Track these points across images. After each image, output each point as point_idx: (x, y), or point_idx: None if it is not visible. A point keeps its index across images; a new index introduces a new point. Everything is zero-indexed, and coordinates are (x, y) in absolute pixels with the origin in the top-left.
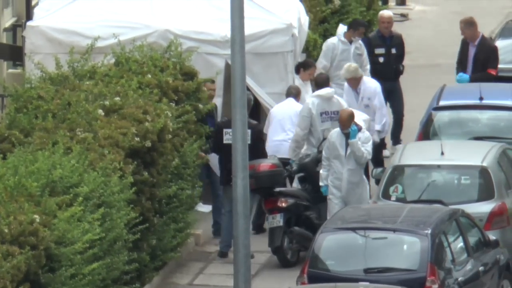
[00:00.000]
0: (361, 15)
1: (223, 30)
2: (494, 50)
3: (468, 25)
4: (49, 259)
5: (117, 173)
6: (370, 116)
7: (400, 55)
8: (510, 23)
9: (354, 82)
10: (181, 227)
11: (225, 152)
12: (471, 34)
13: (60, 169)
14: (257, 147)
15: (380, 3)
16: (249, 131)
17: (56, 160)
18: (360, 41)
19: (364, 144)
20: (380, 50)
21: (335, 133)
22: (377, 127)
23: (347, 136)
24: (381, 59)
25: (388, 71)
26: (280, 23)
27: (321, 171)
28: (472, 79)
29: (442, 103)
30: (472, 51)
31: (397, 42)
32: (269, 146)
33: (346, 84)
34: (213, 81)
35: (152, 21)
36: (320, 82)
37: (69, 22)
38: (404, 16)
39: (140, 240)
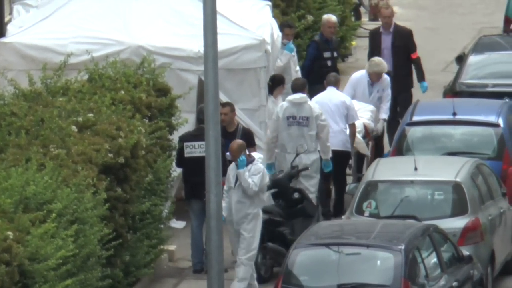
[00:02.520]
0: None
1: (196, 46)
2: (411, 33)
3: (391, 10)
4: (22, 276)
5: (91, 189)
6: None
7: (338, 57)
8: (482, 38)
9: (377, 76)
10: (155, 243)
11: (187, 166)
12: (391, 20)
13: (33, 186)
14: None
15: (353, 18)
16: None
17: (30, 177)
18: (291, 43)
19: (253, 175)
20: (327, 54)
21: (232, 164)
22: (383, 115)
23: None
24: (329, 63)
25: None
26: (253, 39)
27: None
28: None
29: (415, 118)
30: (387, 40)
31: (336, 46)
32: None
33: (354, 78)
34: (223, 105)
35: (125, 38)
36: (295, 88)
37: (42, 39)
38: None
39: (114, 256)
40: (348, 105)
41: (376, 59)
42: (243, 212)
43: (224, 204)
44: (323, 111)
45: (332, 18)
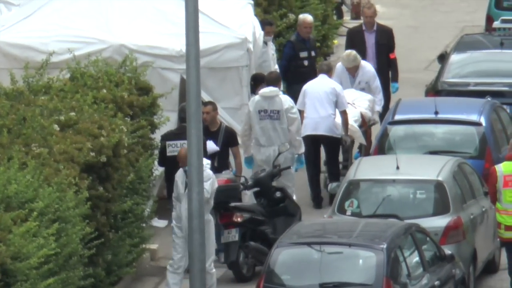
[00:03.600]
0: (316, 29)
1: (178, 44)
2: (392, 32)
3: (374, 10)
4: (4, 275)
5: (72, 188)
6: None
7: (316, 57)
8: (465, 37)
9: (354, 69)
10: (137, 242)
11: (169, 165)
12: (374, 20)
13: (15, 184)
14: None
15: (335, 17)
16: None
17: (11, 175)
18: (271, 41)
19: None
20: (304, 54)
21: (179, 171)
22: (377, 108)
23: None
24: (305, 62)
25: (311, 73)
26: (235, 38)
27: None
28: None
29: (397, 117)
30: (371, 38)
31: (314, 45)
32: (307, 124)
33: (338, 68)
34: (205, 104)
35: (107, 36)
36: (269, 81)
37: (24, 37)
38: None
39: (96, 255)
40: (338, 92)
41: (352, 52)
42: None
43: (173, 212)
44: (313, 98)
45: (308, 18)
